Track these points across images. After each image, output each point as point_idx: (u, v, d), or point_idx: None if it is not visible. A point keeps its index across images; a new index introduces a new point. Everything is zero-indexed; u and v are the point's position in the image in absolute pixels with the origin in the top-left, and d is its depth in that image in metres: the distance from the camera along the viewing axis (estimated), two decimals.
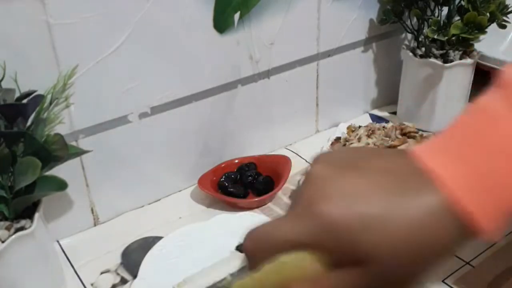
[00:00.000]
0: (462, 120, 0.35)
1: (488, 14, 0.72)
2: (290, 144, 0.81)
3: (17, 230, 0.50)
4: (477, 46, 0.77)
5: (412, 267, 0.32)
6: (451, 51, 0.77)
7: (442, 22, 0.75)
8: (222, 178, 0.70)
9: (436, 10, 0.77)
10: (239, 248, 0.54)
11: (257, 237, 0.35)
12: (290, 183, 0.70)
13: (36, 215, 0.51)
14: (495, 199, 0.32)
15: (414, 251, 0.32)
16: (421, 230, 0.32)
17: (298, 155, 0.78)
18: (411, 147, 0.35)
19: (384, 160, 0.35)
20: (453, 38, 0.74)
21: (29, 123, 0.51)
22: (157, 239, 0.61)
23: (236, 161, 0.73)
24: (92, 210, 0.65)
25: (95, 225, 0.66)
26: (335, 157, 0.37)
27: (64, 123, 0.56)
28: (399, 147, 0.68)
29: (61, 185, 0.55)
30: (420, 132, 0.73)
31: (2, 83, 0.51)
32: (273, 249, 0.34)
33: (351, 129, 0.78)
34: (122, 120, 0.62)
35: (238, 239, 0.58)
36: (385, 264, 0.32)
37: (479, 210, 0.32)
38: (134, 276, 0.56)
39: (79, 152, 0.58)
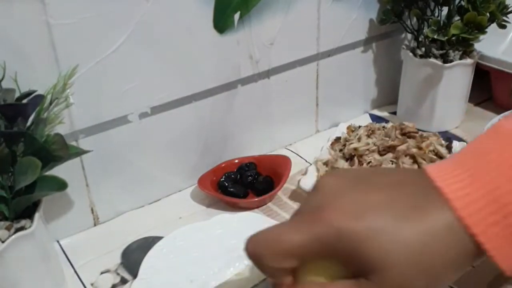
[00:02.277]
0: (479, 140, 0.35)
1: (488, 14, 0.72)
2: (290, 144, 0.81)
3: (17, 230, 0.50)
4: (477, 46, 0.77)
5: (420, 279, 0.32)
6: (451, 51, 0.77)
7: (442, 22, 0.75)
8: (222, 178, 0.70)
9: (436, 10, 0.77)
10: None
11: (261, 243, 0.35)
12: (290, 183, 0.70)
13: (36, 215, 0.51)
14: (505, 223, 0.32)
15: (423, 264, 0.32)
16: (431, 245, 0.32)
17: (298, 155, 0.78)
18: (426, 166, 0.36)
19: (398, 176, 0.36)
20: (453, 38, 0.74)
21: (29, 123, 0.51)
22: (157, 239, 0.61)
23: (236, 161, 0.73)
24: (92, 210, 0.65)
25: (95, 225, 0.66)
26: (348, 172, 0.38)
27: (64, 123, 0.56)
28: (399, 147, 0.68)
29: (61, 185, 0.55)
30: (420, 132, 0.73)
31: (2, 83, 0.51)
32: (280, 255, 0.34)
33: (351, 129, 0.78)
34: (122, 120, 0.62)
35: (238, 239, 0.58)
36: (392, 275, 0.32)
37: (484, 233, 0.32)
38: (134, 276, 0.56)
39: (79, 152, 0.58)
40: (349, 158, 0.70)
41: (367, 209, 0.33)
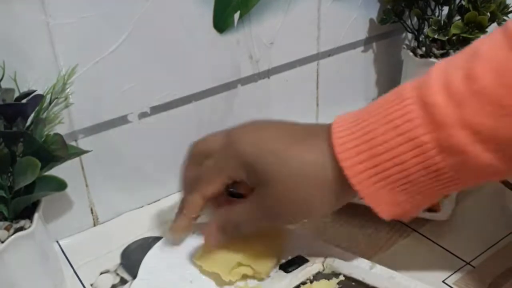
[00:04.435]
0: (384, 95, 0.43)
1: (488, 14, 0.72)
2: None
3: (17, 230, 0.50)
4: None
5: (298, 194, 0.43)
6: (451, 51, 0.77)
7: (442, 22, 0.75)
8: None
9: (437, 10, 0.77)
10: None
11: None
12: None
13: (36, 215, 0.51)
14: (371, 163, 0.40)
15: (300, 182, 0.43)
16: (308, 168, 0.43)
17: None
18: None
19: (306, 124, 0.49)
20: (454, 37, 0.74)
21: (28, 123, 0.51)
22: (157, 239, 0.60)
23: None
24: (91, 210, 0.65)
25: (94, 225, 0.66)
26: (256, 121, 0.51)
27: (63, 123, 0.56)
28: None
29: (61, 185, 0.55)
30: None
31: (2, 82, 0.51)
32: (226, 179, 0.50)
33: None
34: (122, 120, 0.62)
35: None
36: (274, 187, 0.43)
37: (351, 168, 0.41)
38: (134, 276, 0.56)
39: (79, 152, 0.58)
40: None
41: (264, 140, 0.46)
